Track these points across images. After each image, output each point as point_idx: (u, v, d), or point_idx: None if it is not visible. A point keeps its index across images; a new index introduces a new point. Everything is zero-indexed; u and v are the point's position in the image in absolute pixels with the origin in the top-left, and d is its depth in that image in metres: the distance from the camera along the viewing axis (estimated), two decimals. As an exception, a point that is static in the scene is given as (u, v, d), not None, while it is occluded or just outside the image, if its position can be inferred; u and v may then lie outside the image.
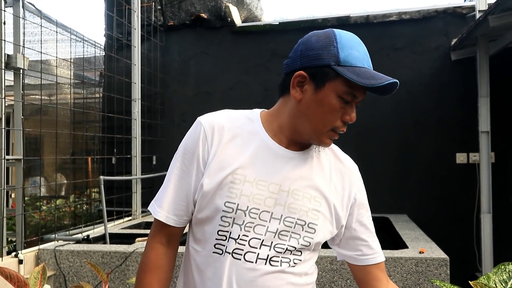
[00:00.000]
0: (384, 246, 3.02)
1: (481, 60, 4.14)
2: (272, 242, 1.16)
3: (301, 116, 1.17)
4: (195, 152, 1.20)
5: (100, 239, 3.63)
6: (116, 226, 4.13)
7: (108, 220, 3.86)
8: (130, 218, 4.55)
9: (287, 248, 1.17)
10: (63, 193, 5.06)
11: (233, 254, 1.15)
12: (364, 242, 1.30)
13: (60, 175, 4.94)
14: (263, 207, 1.16)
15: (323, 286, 2.80)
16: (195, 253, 1.23)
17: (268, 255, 1.16)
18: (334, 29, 1.17)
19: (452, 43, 4.74)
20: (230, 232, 1.16)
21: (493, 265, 3.95)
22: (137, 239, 3.33)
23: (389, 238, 3.86)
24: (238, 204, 1.15)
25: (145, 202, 4.86)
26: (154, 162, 5.16)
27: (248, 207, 1.15)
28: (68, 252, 3.09)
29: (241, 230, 1.15)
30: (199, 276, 1.21)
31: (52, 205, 4.45)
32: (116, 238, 3.66)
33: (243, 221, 1.15)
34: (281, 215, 1.17)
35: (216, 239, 1.17)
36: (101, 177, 3.68)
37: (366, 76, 1.10)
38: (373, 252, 1.31)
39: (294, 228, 1.17)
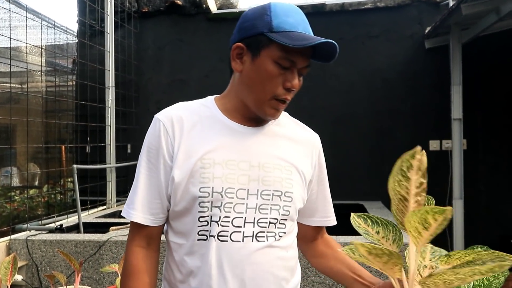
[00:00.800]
0: (357, 232, 3.05)
1: (454, 48, 4.19)
2: (254, 218, 1.17)
3: (244, 88, 1.20)
4: (159, 148, 1.20)
5: (74, 228, 3.59)
6: (90, 215, 4.08)
7: (82, 210, 3.81)
8: (104, 207, 4.51)
9: (270, 221, 1.18)
10: (36, 183, 4.98)
11: (219, 237, 1.15)
12: (321, 206, 1.37)
13: (33, 164, 4.85)
14: (238, 186, 1.17)
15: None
16: (177, 247, 1.21)
17: (253, 232, 1.16)
18: (272, 2, 1.19)
19: (426, 31, 4.79)
20: (211, 216, 1.15)
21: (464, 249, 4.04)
22: (111, 228, 3.30)
23: (364, 224, 3.89)
24: (213, 187, 1.15)
25: (120, 191, 4.81)
26: (129, 151, 5.11)
27: (223, 188, 1.16)
28: (40, 241, 3.05)
29: (221, 211, 1.15)
30: (185, 270, 1.19)
31: (25, 195, 4.37)
32: (90, 227, 3.63)
33: (221, 202, 1.15)
34: (257, 190, 1.18)
35: (198, 226, 1.17)
36: (75, 165, 3.63)
37: (299, 39, 1.12)
38: (327, 215, 1.39)
39: (272, 200, 1.19)
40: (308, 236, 1.39)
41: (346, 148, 4.77)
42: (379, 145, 4.89)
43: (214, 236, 1.15)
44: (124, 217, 3.80)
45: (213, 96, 1.30)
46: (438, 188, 4.68)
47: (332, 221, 1.40)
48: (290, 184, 1.22)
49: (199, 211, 1.16)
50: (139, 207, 1.21)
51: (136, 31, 5.31)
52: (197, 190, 1.16)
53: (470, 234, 4.17)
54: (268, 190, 1.18)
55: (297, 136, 1.29)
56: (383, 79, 4.89)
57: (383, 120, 4.91)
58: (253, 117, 1.24)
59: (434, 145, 4.77)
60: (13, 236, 3.17)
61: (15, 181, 4.70)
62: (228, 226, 1.15)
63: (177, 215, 1.21)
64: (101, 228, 3.52)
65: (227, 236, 1.15)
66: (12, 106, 3.64)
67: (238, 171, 1.18)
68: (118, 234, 3.08)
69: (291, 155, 1.25)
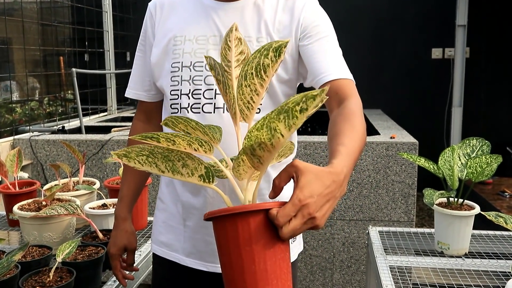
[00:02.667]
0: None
1: (463, -51, 4.03)
2: None
3: None
4: (146, 31, 1.31)
5: (76, 131, 3.63)
6: (91, 120, 4.12)
7: (83, 115, 3.84)
8: (105, 113, 4.53)
9: None
10: (36, 97, 4.97)
11: (192, 109, 1.20)
12: (315, 63, 1.18)
13: (32, 78, 4.81)
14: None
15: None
16: None
17: (224, 104, 1.18)
18: None
19: None
20: (180, 90, 1.21)
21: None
22: (113, 129, 3.34)
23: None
24: (182, 62, 1.21)
25: (121, 99, 4.82)
26: (128, 59, 5.05)
27: (191, 62, 1.20)
28: (43, 141, 3.09)
29: (190, 85, 1.20)
30: None
31: (26, 107, 4.38)
32: (92, 131, 3.67)
33: (190, 76, 1.20)
34: None
35: (170, 99, 1.24)
36: (74, 69, 3.61)
37: None
38: (321, 72, 1.17)
39: None
40: (327, 106, 1.18)
41: (346, 55, 4.68)
42: (380, 52, 4.83)
43: (186, 108, 1.21)
44: (125, 121, 3.80)
45: None
46: (438, 96, 4.69)
47: (327, 76, 1.15)
48: None
49: (170, 85, 1.23)
50: (133, 85, 1.37)
51: None
52: (169, 66, 1.23)
53: (467, 141, 4.22)
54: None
55: (282, 7, 1.21)
56: (387, -16, 4.74)
57: (384, 27, 4.81)
58: None
59: (436, 53, 4.71)
60: (16, 136, 3.21)
61: (15, 95, 4.69)
62: (200, 98, 1.19)
63: (162, 92, 1.30)
64: (103, 131, 3.57)
65: (199, 108, 1.20)
66: (6, 18, 3.55)
67: (208, 46, 1.20)
68: (120, 135, 3.13)
69: (267, 26, 1.20)
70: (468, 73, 4.30)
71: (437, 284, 1.62)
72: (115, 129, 3.34)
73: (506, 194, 3.64)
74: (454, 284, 1.62)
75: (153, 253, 1.39)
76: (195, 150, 0.81)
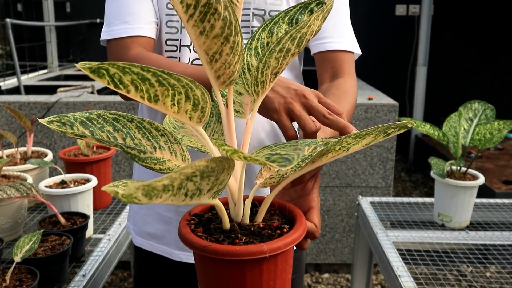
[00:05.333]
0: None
1: None
2: None
3: None
4: None
5: (14, 91, 3.21)
6: (31, 79, 3.67)
7: (21, 73, 3.40)
8: (46, 70, 4.08)
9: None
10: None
11: (193, 64, 0.96)
12: (324, 26, 1.01)
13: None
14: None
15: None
16: None
17: None
18: None
19: None
20: (180, 40, 0.98)
21: (423, 118, 4.04)
22: (59, 90, 2.95)
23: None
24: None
25: (62, 55, 4.37)
26: (68, 10, 4.55)
27: None
28: (-23, 103, 2.68)
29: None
30: None
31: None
32: (33, 91, 3.26)
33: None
34: None
35: (166, 51, 0.98)
36: (8, 19, 3.15)
37: None
38: (323, 37, 1.02)
39: (252, 21, 0.98)
40: (318, 77, 1.06)
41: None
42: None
43: (187, 47, 0.98)
44: (70, 79, 3.34)
45: None
46: (401, 55, 4.56)
47: (329, 44, 1.01)
48: (278, 1, 0.98)
49: (166, 32, 0.98)
50: (131, 19, 0.94)
51: None
52: (164, 7, 0.97)
53: (430, 102, 4.15)
54: (247, 9, 0.97)
55: None
56: None
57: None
58: None
59: (400, 9, 4.56)
60: None
61: None
62: None
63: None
64: (46, 91, 3.17)
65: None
66: None
67: None
68: (68, 96, 2.76)
69: None
70: (433, 31, 4.18)
71: (444, 257, 1.50)
72: (62, 89, 2.95)
73: (472, 155, 3.60)
74: (463, 258, 1.50)
75: (137, 247, 1.14)
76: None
